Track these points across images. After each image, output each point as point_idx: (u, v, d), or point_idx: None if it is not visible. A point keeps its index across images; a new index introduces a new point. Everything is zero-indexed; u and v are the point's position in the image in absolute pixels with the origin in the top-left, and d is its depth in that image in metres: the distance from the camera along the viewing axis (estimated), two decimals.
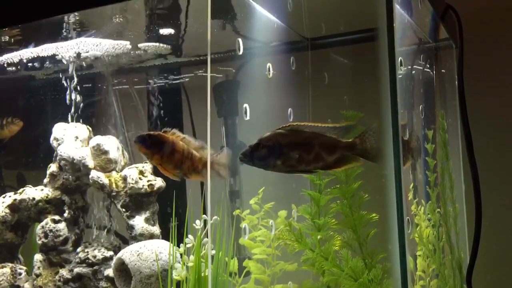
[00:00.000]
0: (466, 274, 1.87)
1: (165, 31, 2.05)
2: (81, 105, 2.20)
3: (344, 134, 1.24)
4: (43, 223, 2.01)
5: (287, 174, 1.71)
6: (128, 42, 2.09)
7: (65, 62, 2.20)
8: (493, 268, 2.10)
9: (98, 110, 2.39)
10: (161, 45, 2.11)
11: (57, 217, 2.02)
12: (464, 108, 1.90)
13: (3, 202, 2.04)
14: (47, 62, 2.22)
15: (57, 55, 2.14)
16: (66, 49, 2.11)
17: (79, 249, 2.00)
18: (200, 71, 2.29)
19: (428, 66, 1.89)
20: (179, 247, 1.62)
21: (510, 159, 2.16)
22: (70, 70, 2.21)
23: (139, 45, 2.10)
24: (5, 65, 2.22)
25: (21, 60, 2.17)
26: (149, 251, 1.72)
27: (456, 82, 1.96)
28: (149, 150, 1.42)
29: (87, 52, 2.13)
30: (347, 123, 1.32)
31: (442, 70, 2.04)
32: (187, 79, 2.42)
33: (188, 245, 1.59)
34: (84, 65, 2.24)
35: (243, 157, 1.23)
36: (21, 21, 1.70)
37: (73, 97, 2.20)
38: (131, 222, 1.95)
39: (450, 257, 1.82)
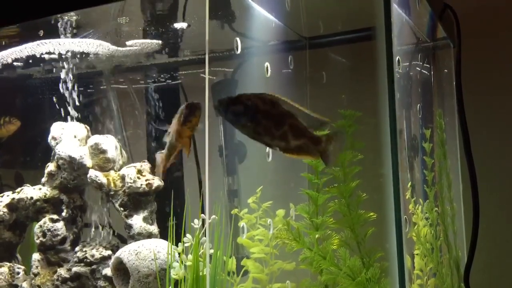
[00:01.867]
0: (464, 273, 1.87)
1: (163, 30, 2.05)
2: (79, 104, 2.20)
3: (317, 126, 1.22)
4: (41, 222, 2.01)
5: (286, 173, 1.71)
6: (107, 44, 2.07)
7: (63, 61, 2.20)
8: (491, 267, 2.10)
9: (96, 109, 2.39)
10: (150, 41, 2.10)
11: (55, 216, 2.02)
12: (461, 107, 1.90)
13: (1, 201, 2.04)
14: (44, 61, 2.22)
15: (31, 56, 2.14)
16: (30, 50, 2.10)
17: (77, 249, 2.00)
18: (198, 70, 2.29)
19: (426, 65, 1.89)
20: (177, 246, 1.62)
21: (508, 158, 2.17)
22: (67, 69, 2.21)
23: (127, 43, 2.09)
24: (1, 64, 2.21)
25: (16, 59, 2.17)
26: (147, 250, 1.72)
27: (454, 81, 1.96)
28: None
29: (52, 53, 2.12)
30: (321, 116, 1.31)
31: (440, 69, 2.04)
32: (185, 78, 2.42)
33: (186, 244, 1.60)
34: (81, 64, 2.24)
35: (219, 105, 1.20)
36: (19, 20, 1.70)
37: (71, 96, 2.20)
38: (129, 221, 1.95)
39: (448, 256, 1.83)
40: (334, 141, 1.21)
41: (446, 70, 2.05)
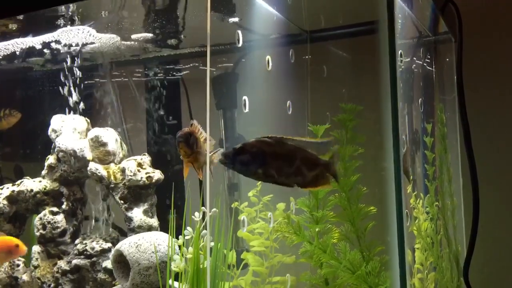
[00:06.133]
0: (463, 267, 1.88)
1: (164, 22, 2.04)
2: (80, 97, 2.20)
3: (324, 150, 1.22)
4: (41, 214, 2.01)
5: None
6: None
7: (63, 53, 2.20)
8: (490, 261, 2.11)
9: (96, 102, 2.38)
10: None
11: (55, 209, 2.02)
12: (462, 102, 1.90)
13: (1, 194, 2.04)
14: (45, 53, 2.21)
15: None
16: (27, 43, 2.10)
17: (77, 241, 2.00)
18: (199, 64, 2.29)
19: (428, 59, 1.89)
20: (177, 239, 1.62)
21: (508, 153, 2.17)
22: (68, 61, 2.21)
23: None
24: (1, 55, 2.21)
25: (17, 51, 2.16)
26: (147, 243, 1.72)
27: (455, 76, 1.96)
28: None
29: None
30: (325, 138, 1.31)
31: (441, 64, 2.04)
32: (186, 72, 2.42)
33: (186, 237, 1.60)
34: (82, 56, 2.23)
35: (224, 158, 1.18)
36: (21, 11, 1.69)
37: (71, 89, 2.20)
38: (129, 214, 1.95)
39: (448, 250, 1.83)
40: (336, 159, 1.22)
41: (447, 65, 2.05)
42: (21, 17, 1.90)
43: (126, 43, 2.14)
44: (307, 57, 2.02)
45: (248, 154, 1.17)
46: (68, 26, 1.98)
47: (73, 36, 2.06)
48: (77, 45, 2.14)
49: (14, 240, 1.79)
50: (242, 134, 2.08)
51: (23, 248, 1.78)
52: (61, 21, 1.96)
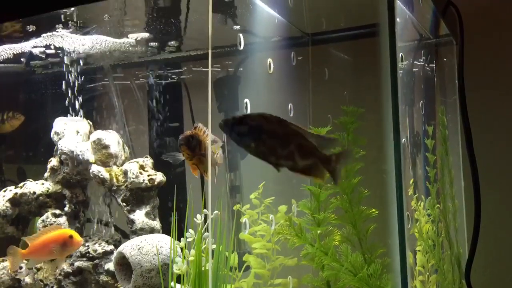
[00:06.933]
0: (465, 270, 1.88)
1: (166, 25, 2.05)
2: (82, 99, 2.21)
3: (325, 146, 1.22)
4: (43, 217, 2.02)
5: (288, 170, 1.71)
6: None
7: (65, 56, 2.21)
8: (492, 264, 2.11)
9: (99, 105, 2.39)
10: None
11: (57, 211, 2.03)
12: (464, 104, 1.90)
13: (3, 196, 2.05)
14: (48, 56, 2.22)
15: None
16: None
17: None
18: (200, 66, 2.29)
19: (429, 62, 1.89)
20: (179, 241, 1.63)
21: (509, 155, 2.17)
22: (71, 64, 2.21)
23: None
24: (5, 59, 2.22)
25: (20, 54, 2.17)
26: (150, 245, 1.73)
27: (456, 78, 1.96)
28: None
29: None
30: (332, 136, 1.30)
31: (442, 66, 2.04)
32: (187, 74, 2.42)
33: (188, 240, 1.60)
34: (84, 59, 2.24)
35: (224, 124, 1.20)
36: (22, 15, 1.70)
37: (74, 92, 2.21)
38: (131, 216, 1.95)
39: (449, 252, 1.83)
40: (342, 159, 1.21)
41: (448, 67, 2.05)
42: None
43: (121, 41, 2.13)
44: (308, 59, 2.02)
45: (246, 126, 1.18)
46: (52, 32, 1.98)
47: (59, 41, 2.06)
48: (61, 49, 2.14)
49: (68, 231, 1.73)
50: None
51: (78, 238, 1.71)
52: (50, 26, 1.96)
